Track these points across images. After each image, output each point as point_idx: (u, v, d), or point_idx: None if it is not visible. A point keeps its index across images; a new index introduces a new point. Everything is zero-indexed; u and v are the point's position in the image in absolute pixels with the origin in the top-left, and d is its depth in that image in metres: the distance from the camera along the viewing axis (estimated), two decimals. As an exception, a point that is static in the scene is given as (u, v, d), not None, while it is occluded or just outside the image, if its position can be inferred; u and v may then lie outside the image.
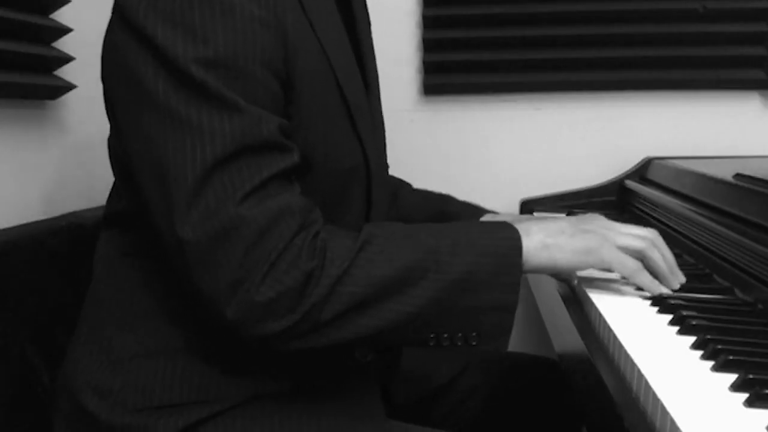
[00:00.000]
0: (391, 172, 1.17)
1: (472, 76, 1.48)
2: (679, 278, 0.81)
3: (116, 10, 0.72)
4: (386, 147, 1.00)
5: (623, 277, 0.80)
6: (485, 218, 0.99)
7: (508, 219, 0.83)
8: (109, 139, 0.82)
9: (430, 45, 1.47)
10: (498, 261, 0.71)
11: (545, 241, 0.74)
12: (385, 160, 0.99)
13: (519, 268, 0.71)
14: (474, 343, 0.72)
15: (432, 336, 0.72)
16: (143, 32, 0.67)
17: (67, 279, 0.88)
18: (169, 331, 0.77)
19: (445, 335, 0.72)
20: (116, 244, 0.82)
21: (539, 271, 0.75)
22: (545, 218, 0.80)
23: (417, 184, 1.15)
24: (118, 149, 0.78)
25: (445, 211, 1.05)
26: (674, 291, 0.79)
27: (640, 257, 0.78)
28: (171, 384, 0.75)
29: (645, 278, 0.78)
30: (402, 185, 1.13)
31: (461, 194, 1.11)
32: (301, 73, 0.73)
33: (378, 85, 0.96)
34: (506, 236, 0.73)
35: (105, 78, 0.76)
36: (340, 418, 0.79)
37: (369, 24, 0.97)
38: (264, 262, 0.66)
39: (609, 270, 0.79)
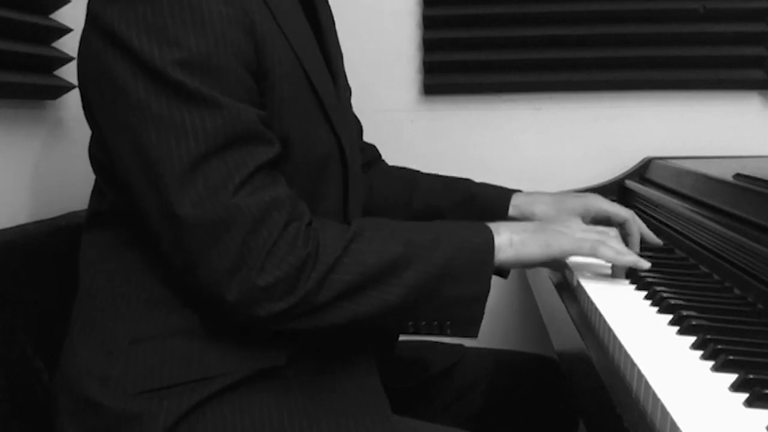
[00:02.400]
0: (391, 172, 1.17)
1: (472, 76, 1.48)
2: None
3: (90, 20, 0.74)
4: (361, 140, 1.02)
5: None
6: (516, 197, 1.03)
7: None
8: (90, 147, 0.83)
9: (430, 45, 1.47)
10: (473, 256, 0.77)
11: (511, 238, 0.81)
12: (359, 153, 1.00)
13: (492, 263, 0.78)
14: (448, 332, 0.78)
15: (410, 324, 0.78)
16: (120, 40, 0.70)
17: (67, 279, 0.88)
18: (163, 316, 0.78)
19: (423, 323, 0.78)
20: (103, 241, 0.83)
21: (506, 265, 0.82)
22: (514, 222, 0.87)
23: (417, 184, 1.14)
24: (100, 155, 0.80)
25: (475, 194, 1.05)
26: (674, 291, 0.79)
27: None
28: (170, 365, 0.76)
29: (606, 251, 0.81)
30: (415, 173, 1.12)
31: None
32: (272, 64, 0.75)
33: (346, 82, 0.97)
34: (481, 233, 0.80)
35: (84, 86, 0.78)
36: (343, 403, 0.80)
37: (333, 23, 0.98)
38: (262, 249, 0.71)
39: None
